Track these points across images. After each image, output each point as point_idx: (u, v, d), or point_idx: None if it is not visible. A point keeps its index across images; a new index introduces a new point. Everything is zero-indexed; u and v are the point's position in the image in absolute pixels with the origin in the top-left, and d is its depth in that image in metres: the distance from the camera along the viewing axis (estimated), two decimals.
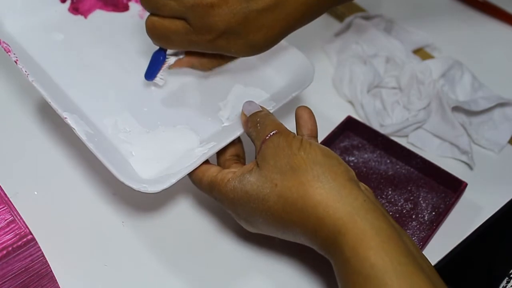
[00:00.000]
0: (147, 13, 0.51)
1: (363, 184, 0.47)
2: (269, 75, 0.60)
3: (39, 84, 0.53)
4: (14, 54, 0.55)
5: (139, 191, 0.48)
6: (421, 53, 0.73)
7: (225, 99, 0.58)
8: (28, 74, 0.53)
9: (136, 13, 0.64)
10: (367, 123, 0.65)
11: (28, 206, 0.51)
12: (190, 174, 0.51)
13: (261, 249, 0.55)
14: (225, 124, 0.56)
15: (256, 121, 0.50)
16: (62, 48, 0.60)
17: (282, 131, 0.48)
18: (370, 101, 0.66)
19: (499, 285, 0.52)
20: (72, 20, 0.62)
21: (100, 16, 0.63)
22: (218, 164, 0.53)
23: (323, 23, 0.77)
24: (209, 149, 0.52)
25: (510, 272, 0.53)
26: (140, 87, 0.58)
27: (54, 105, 0.52)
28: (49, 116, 0.63)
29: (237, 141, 0.54)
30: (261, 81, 0.60)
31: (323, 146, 0.48)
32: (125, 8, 0.64)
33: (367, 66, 0.68)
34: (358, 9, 0.78)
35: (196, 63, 0.55)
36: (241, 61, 0.58)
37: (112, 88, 0.58)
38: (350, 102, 0.68)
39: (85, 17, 0.63)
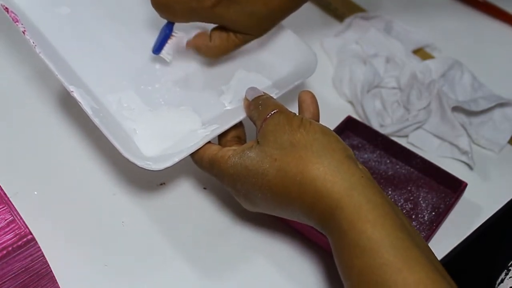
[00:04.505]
0: None
1: (360, 163, 0.48)
2: (272, 62, 0.60)
3: (46, 56, 0.53)
4: (22, 24, 0.54)
5: (143, 168, 0.48)
6: (421, 53, 0.73)
7: (228, 83, 0.58)
8: (35, 45, 0.53)
9: None
10: (367, 123, 0.65)
11: (28, 206, 0.51)
12: (192, 153, 0.51)
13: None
14: (227, 108, 0.56)
15: (258, 103, 0.51)
16: (68, 22, 0.59)
17: (283, 110, 0.49)
18: (370, 101, 0.66)
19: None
20: None
21: None
22: (219, 145, 0.54)
23: (323, 23, 0.77)
24: (212, 131, 0.52)
25: (509, 264, 0.53)
26: (145, 66, 0.58)
27: (60, 78, 0.52)
28: (48, 117, 0.63)
29: (239, 124, 0.54)
30: (264, 68, 0.60)
31: (323, 125, 0.48)
32: None
33: (367, 66, 0.68)
34: (358, 9, 0.78)
35: (203, 46, 0.55)
36: (244, 48, 0.58)
37: (117, 64, 0.57)
38: (350, 102, 0.68)
39: None
